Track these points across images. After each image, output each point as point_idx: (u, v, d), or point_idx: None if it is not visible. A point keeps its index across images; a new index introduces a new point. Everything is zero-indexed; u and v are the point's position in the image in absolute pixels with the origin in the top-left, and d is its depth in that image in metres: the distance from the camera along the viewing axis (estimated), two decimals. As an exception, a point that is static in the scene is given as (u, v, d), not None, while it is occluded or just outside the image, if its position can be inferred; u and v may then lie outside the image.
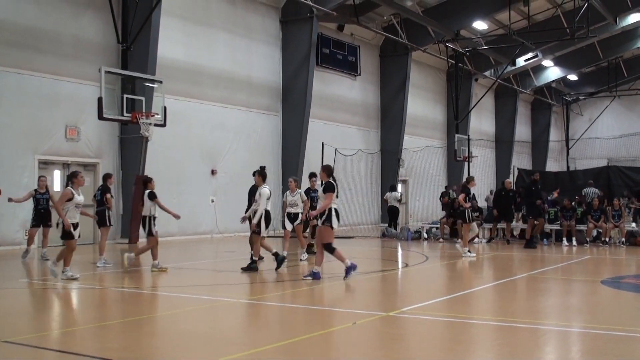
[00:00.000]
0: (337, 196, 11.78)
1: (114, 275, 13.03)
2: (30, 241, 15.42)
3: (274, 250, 13.17)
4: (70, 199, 11.55)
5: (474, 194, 27.60)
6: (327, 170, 12.00)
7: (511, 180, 24.87)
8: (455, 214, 18.91)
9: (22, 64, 18.26)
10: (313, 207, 16.12)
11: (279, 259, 13.05)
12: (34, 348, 6.94)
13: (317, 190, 15.98)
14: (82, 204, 11.92)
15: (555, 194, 20.92)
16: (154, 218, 13.07)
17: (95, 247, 17.41)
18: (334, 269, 14.09)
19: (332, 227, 11.70)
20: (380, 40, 32.45)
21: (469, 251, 16.33)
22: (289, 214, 14.88)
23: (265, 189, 12.82)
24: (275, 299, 10.41)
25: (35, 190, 15.28)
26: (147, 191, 13.13)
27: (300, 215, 14.84)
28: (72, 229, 11.53)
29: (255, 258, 13.03)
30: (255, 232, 12.91)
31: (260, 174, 13.15)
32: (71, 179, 11.83)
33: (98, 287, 11.57)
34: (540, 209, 19.63)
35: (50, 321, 8.74)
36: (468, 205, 16.65)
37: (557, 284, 12.44)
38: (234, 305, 9.75)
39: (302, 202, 14.96)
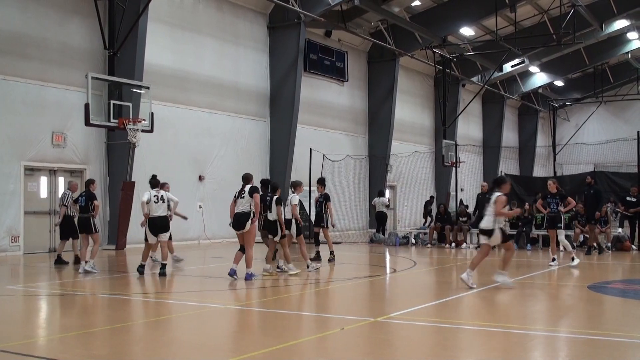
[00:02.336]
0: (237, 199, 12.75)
1: (100, 281, 12.96)
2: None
3: (142, 263, 13.50)
4: None
5: (461, 200, 27.85)
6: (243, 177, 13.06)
7: (486, 184, 24.84)
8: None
9: (7, 70, 18.16)
10: (318, 213, 16.63)
11: (140, 269, 13.43)
12: (20, 355, 6.88)
13: (322, 196, 16.64)
14: None
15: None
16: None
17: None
18: (321, 273, 14.07)
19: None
20: (367, 46, 32.52)
21: (572, 259, 15.29)
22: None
23: (145, 193, 13.49)
24: (263, 305, 10.39)
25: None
26: (275, 197, 13.51)
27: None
28: None
29: (164, 262, 13.45)
30: (147, 239, 13.55)
31: (149, 181, 13.75)
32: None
33: (85, 293, 11.50)
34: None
35: (37, 328, 8.67)
36: (548, 210, 15.83)
37: (544, 289, 12.48)
38: (221, 311, 9.72)
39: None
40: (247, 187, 12.65)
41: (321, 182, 17.02)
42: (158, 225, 13.37)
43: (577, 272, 14.38)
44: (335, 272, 14.59)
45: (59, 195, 15.71)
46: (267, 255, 13.82)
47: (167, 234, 13.59)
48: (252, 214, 12.50)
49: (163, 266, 13.40)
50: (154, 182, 13.65)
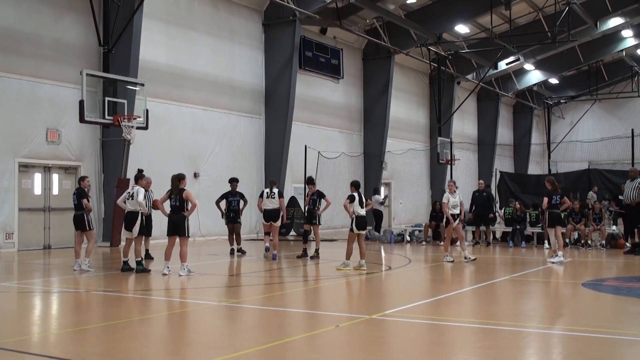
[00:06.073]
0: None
1: (94, 278, 12.94)
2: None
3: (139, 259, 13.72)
4: None
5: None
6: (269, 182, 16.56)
7: (483, 180, 24.92)
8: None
9: (1, 67, 18.07)
10: (309, 211, 16.97)
11: (125, 267, 13.57)
12: (15, 352, 6.87)
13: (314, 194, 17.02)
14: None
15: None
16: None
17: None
18: (317, 271, 14.09)
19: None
20: (363, 43, 32.50)
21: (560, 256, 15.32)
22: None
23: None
24: (257, 301, 10.39)
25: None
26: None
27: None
28: None
29: (138, 259, 13.63)
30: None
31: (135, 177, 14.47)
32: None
33: (80, 290, 11.48)
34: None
35: (31, 325, 8.65)
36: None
37: (539, 286, 12.51)
38: (215, 308, 9.71)
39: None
40: (276, 190, 16.10)
41: (310, 181, 17.21)
42: (126, 220, 13.79)
43: (571, 270, 14.42)
44: (330, 269, 14.58)
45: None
46: (362, 252, 14.27)
47: (132, 232, 13.66)
48: (280, 211, 16.13)
49: (138, 262, 13.54)
50: (137, 177, 14.25)
